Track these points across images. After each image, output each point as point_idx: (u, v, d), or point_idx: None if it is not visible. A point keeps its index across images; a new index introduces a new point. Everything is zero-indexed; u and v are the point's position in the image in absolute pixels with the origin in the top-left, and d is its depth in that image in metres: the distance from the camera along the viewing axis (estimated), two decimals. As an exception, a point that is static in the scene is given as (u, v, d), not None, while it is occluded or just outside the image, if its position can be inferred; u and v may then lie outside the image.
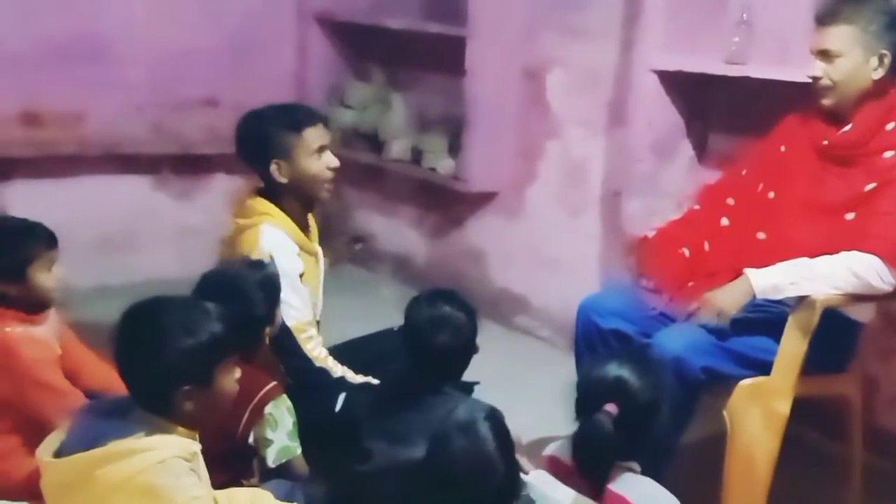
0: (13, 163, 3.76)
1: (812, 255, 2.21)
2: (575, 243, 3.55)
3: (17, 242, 2.22)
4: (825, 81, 2.28)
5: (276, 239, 2.38)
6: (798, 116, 2.43)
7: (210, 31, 4.06)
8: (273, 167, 2.43)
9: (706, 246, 2.44)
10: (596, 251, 3.49)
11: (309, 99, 4.31)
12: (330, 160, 2.48)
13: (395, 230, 4.38)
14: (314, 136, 2.45)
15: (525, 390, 2.94)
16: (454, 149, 3.88)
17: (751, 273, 2.20)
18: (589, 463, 1.85)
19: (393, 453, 2.01)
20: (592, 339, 2.44)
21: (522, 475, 1.84)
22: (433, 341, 2.10)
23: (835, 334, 2.29)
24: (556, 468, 1.90)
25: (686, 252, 2.43)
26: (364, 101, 4.31)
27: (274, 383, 2.13)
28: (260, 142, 2.45)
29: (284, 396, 2.14)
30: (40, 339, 2.22)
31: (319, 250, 2.58)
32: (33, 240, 2.24)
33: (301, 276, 2.40)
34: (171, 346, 1.66)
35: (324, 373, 2.37)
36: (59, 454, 1.68)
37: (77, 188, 3.89)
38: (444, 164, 3.90)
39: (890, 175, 2.21)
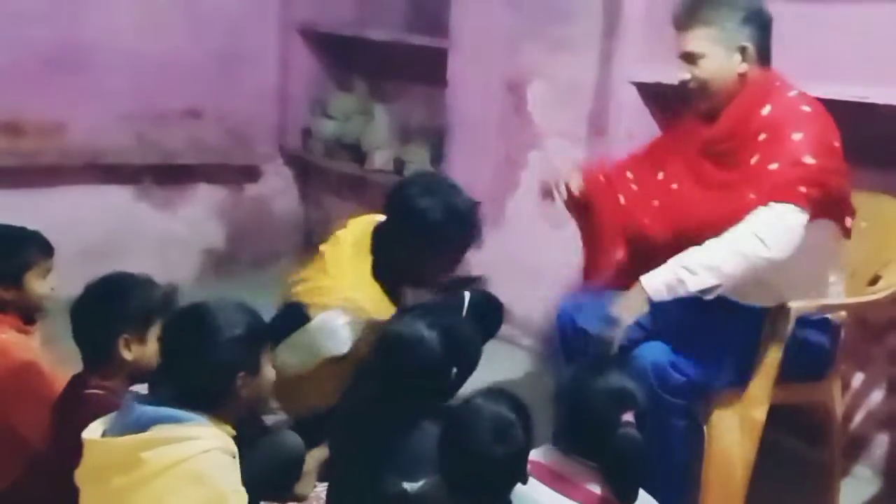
0: (-6, 172, 3.76)
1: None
2: (556, 253, 3.55)
3: (15, 249, 2.27)
4: (693, 84, 2.34)
5: None
6: (681, 124, 2.50)
7: (193, 42, 4.07)
8: None
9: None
10: (577, 261, 3.50)
11: (291, 109, 4.33)
12: None
13: (378, 240, 4.38)
14: None
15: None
16: (436, 159, 3.90)
17: (643, 278, 2.18)
18: (625, 484, 1.82)
19: (375, 478, 2.01)
20: (571, 339, 2.46)
21: None
22: (402, 362, 2.09)
23: (813, 342, 2.32)
24: (538, 472, 1.90)
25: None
26: (347, 112, 4.32)
27: None
28: None
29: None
30: (34, 348, 2.24)
31: None
32: (31, 247, 2.29)
33: None
34: (226, 338, 1.78)
35: None
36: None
37: (59, 198, 3.87)
38: (426, 175, 3.92)
39: (768, 148, 2.20)
